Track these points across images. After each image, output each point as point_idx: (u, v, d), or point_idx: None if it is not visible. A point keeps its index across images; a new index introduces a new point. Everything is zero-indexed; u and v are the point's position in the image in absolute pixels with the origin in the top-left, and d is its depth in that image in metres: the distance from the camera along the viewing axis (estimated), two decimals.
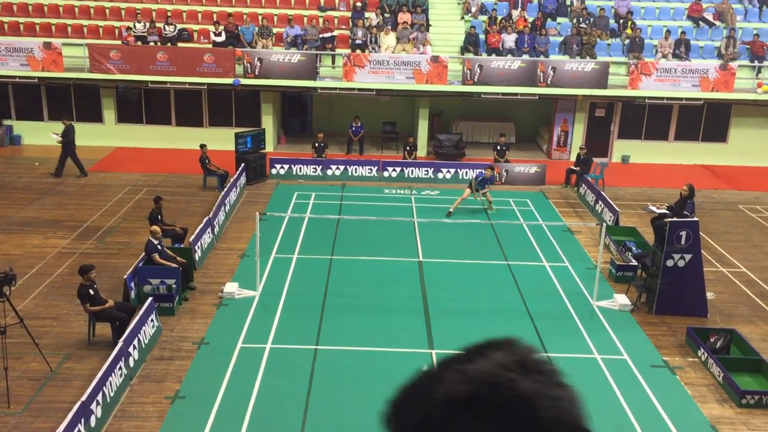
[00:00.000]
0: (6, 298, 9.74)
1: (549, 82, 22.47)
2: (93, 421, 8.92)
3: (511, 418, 1.19)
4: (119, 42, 22.65)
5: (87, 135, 23.70)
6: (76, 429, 8.45)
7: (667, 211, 13.42)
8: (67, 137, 20.13)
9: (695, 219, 13.11)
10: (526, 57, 23.13)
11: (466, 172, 20.98)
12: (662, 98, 22.94)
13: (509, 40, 23.49)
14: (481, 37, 23.68)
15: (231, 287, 13.31)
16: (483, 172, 18.85)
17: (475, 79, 22.45)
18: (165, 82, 22.47)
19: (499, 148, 21.90)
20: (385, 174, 21.09)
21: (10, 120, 23.92)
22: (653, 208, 13.94)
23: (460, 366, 1.25)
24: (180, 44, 22.94)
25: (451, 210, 17.93)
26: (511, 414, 1.19)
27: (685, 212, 13.19)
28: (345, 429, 9.48)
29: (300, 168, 21.02)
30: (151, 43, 22.64)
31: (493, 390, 1.21)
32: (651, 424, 9.81)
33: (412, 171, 21.21)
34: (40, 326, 11.55)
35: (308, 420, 9.60)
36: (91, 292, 11.20)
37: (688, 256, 12.80)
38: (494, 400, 1.19)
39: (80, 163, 20.35)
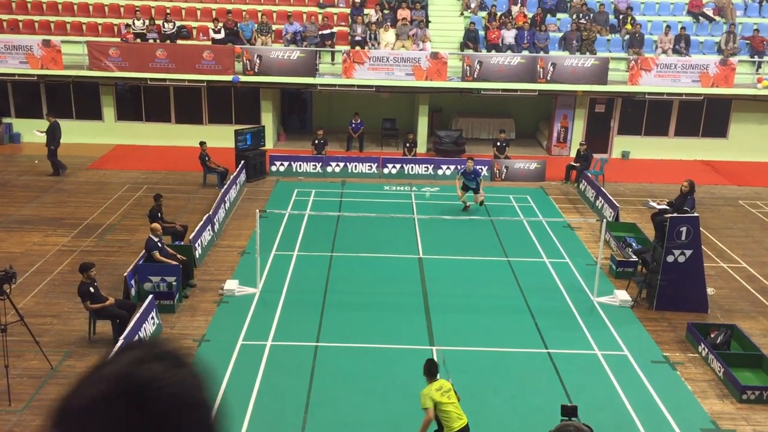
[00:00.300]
0: (6, 296, 9.73)
1: (549, 78, 22.45)
2: None
3: (130, 408, 1.28)
4: (118, 39, 22.62)
5: (86, 132, 23.72)
6: None
7: (668, 207, 13.41)
8: (52, 134, 20.04)
9: (696, 215, 13.10)
10: (525, 53, 23.11)
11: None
12: (662, 94, 22.91)
13: (509, 36, 23.46)
14: (481, 33, 23.65)
15: (231, 284, 13.31)
16: (463, 166, 18.55)
17: (475, 75, 22.42)
18: (164, 80, 22.45)
19: (498, 144, 21.88)
20: (385, 171, 21.08)
21: (10, 118, 23.90)
22: (653, 204, 13.93)
23: (97, 369, 1.33)
24: (179, 41, 22.91)
25: (462, 200, 18.01)
26: (130, 403, 1.28)
27: (685, 208, 13.18)
28: (346, 426, 9.49)
29: (300, 165, 21.01)
30: (150, 41, 22.61)
31: (120, 384, 1.29)
32: (652, 420, 9.81)
33: (412, 168, 21.20)
34: (40, 324, 11.55)
35: (309, 417, 9.61)
36: (92, 289, 11.20)
37: (688, 252, 12.79)
38: (120, 392, 1.28)
39: (57, 163, 20.22)
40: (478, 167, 18.73)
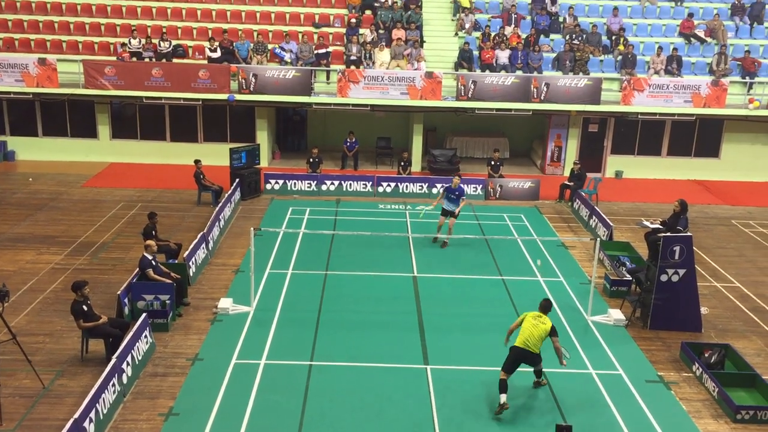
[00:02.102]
0: None
1: (542, 98, 22.61)
2: None
3: None
4: (115, 58, 22.69)
5: (81, 150, 23.73)
6: None
7: (661, 226, 13.46)
8: None
9: (689, 234, 13.15)
10: (519, 73, 23.28)
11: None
12: (655, 114, 23.09)
13: (503, 56, 23.64)
14: (475, 53, 23.84)
15: (225, 303, 13.28)
16: (448, 183, 17.72)
17: (469, 95, 22.57)
18: (160, 98, 22.51)
19: (493, 163, 21.98)
20: (380, 189, 21.13)
21: (5, 136, 23.89)
22: (647, 223, 13.97)
23: None
24: (175, 60, 23.01)
25: (438, 236, 17.10)
26: None
27: (678, 227, 13.23)
28: None
29: (295, 183, 21.04)
30: (146, 59, 22.70)
31: None
32: None
33: (407, 186, 21.25)
34: (32, 342, 11.48)
35: None
36: (85, 308, 11.15)
37: (681, 271, 12.83)
38: None
39: None
40: (463, 186, 17.88)
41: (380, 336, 12.49)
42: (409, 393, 10.72)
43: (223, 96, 22.33)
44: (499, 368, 10.59)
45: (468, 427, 9.97)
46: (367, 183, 21.22)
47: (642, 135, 24.29)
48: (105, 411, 9.51)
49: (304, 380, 10.96)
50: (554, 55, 24.05)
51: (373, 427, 9.87)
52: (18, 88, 22.36)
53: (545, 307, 10.70)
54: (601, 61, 24.17)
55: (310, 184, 21.07)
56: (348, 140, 23.62)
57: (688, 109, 22.93)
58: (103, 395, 9.50)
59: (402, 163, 22.65)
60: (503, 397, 10.12)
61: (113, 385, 9.88)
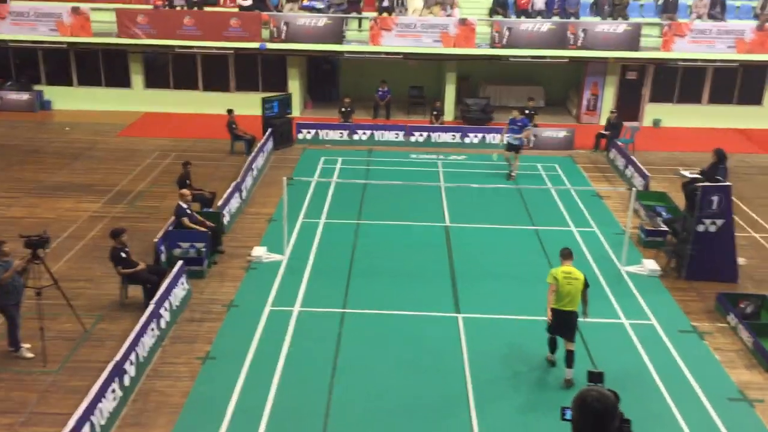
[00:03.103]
0: (41, 260, 9.95)
1: (579, 45, 22.05)
2: (127, 380, 9.15)
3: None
4: (148, 6, 22.63)
5: (115, 100, 23.94)
6: (111, 388, 8.67)
7: (699, 176, 13.19)
8: None
9: (728, 183, 12.87)
10: (556, 19, 22.69)
11: (494, 137, 20.80)
12: (696, 60, 22.41)
13: (539, 1, 23.03)
14: None
15: (259, 251, 13.45)
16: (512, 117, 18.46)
17: (504, 42, 22.11)
18: (192, 47, 22.48)
19: (527, 112, 21.61)
20: (412, 139, 20.99)
21: (41, 85, 24.18)
22: (685, 173, 13.71)
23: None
24: (206, 8, 22.87)
25: (513, 174, 18.03)
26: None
27: (717, 177, 12.95)
28: (372, 391, 9.60)
29: (327, 133, 21.01)
30: (178, 8, 22.61)
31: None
32: (678, 389, 9.78)
33: (439, 136, 21.07)
34: (74, 288, 11.80)
35: (336, 382, 9.75)
36: (123, 255, 11.40)
37: (719, 222, 12.61)
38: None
39: None
40: (526, 118, 18.77)
41: (412, 284, 12.57)
42: (441, 341, 10.83)
43: (255, 44, 22.21)
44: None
45: (499, 374, 10.07)
46: (399, 132, 21.08)
47: (682, 82, 23.65)
48: (144, 354, 9.79)
49: (337, 328, 11.12)
50: None
51: (404, 374, 10.02)
52: (52, 38, 22.50)
53: (566, 255, 9.97)
54: (641, 5, 23.43)
55: (342, 133, 21.02)
56: (380, 89, 23.41)
57: (731, 55, 22.20)
58: (143, 339, 9.77)
59: (434, 113, 22.42)
60: (551, 356, 10.20)
61: (152, 329, 10.15)
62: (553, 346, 10.13)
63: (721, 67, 22.75)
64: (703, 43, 22.14)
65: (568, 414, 3.32)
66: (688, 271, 12.90)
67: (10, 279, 9.69)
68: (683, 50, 22.19)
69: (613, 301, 12.18)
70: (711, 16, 22.84)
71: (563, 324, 9.74)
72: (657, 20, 22.95)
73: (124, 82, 24.02)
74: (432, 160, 19.71)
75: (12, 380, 9.63)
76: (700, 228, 12.66)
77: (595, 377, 3.59)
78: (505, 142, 18.29)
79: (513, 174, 18.01)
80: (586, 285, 9.83)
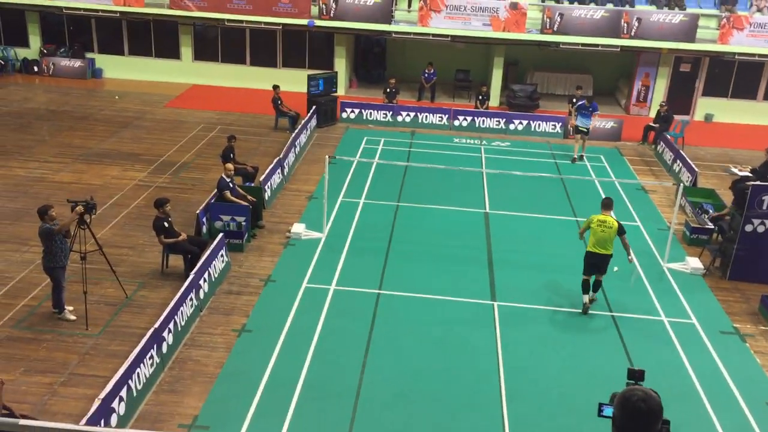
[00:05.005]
0: (87, 225, 10.17)
1: (633, 34, 21.55)
2: (165, 348, 9.33)
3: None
4: None
5: (164, 71, 24.24)
6: (149, 354, 8.86)
7: (751, 174, 12.82)
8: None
9: None
10: (610, 6, 22.18)
11: (539, 125, 20.58)
12: (754, 55, 21.72)
13: None
14: None
15: (298, 228, 13.54)
16: (582, 101, 18.83)
17: (555, 28, 21.72)
18: (241, 21, 22.59)
19: (574, 100, 21.25)
20: (456, 123, 20.83)
21: (93, 53, 24.59)
22: (735, 170, 13.34)
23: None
24: None
25: (576, 156, 18.45)
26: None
27: None
28: (403, 373, 9.63)
29: (370, 113, 20.97)
30: None
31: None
32: (716, 390, 9.60)
33: (483, 121, 20.87)
34: (117, 254, 12.06)
35: (368, 361, 9.79)
36: (166, 224, 11.58)
37: None
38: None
39: None
40: (596, 102, 19.00)
41: (449, 269, 12.53)
42: (475, 327, 10.79)
43: (304, 21, 22.21)
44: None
45: (532, 364, 10.00)
46: (443, 116, 20.94)
47: (737, 77, 22.97)
48: (183, 323, 9.97)
49: (372, 308, 11.16)
50: None
51: (437, 357, 10.02)
52: (105, 6, 22.82)
53: (607, 205, 11.15)
54: None
55: (385, 114, 20.96)
56: (426, 71, 23.25)
57: None
58: (182, 308, 9.94)
59: (480, 97, 22.20)
60: (585, 297, 11.19)
61: (191, 299, 10.31)
62: (586, 288, 11.16)
63: None
64: (762, 37, 21.44)
65: (607, 411, 3.26)
66: (733, 271, 12.60)
67: (66, 228, 9.95)
68: (741, 44, 21.53)
69: (654, 298, 11.97)
70: None
71: (597, 264, 11.03)
72: (715, 11, 22.30)
73: (174, 53, 24.28)
74: (475, 145, 19.54)
75: (54, 341, 9.89)
76: (748, 228, 12.33)
77: (636, 375, 3.52)
78: (576, 125, 18.59)
79: (580, 156, 18.42)
80: (622, 231, 10.92)
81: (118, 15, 23.13)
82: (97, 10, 22.97)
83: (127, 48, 24.53)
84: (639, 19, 21.45)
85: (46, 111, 20.59)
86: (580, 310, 11.34)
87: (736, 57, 21.95)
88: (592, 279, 11.23)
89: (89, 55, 24.51)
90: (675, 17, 21.44)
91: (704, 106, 23.21)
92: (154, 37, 24.26)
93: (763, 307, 11.60)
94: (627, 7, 22.10)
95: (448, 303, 11.44)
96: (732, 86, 23.17)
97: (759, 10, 22.10)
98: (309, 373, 9.47)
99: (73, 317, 10.35)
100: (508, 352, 10.19)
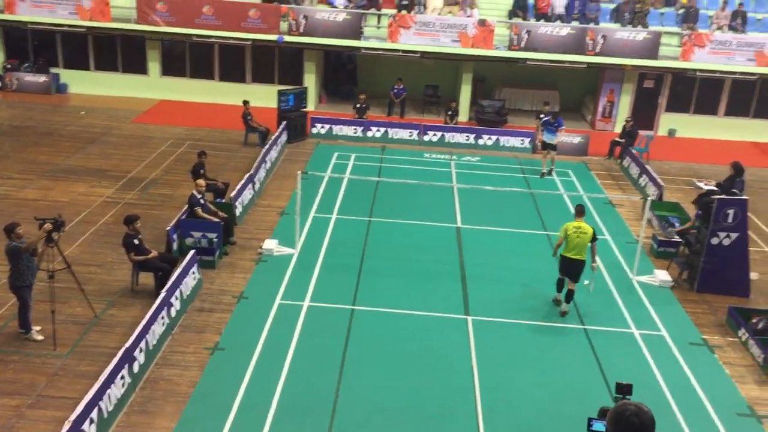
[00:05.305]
0: (55, 243, 9.97)
1: (598, 51, 21.97)
2: (136, 367, 9.16)
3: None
4: None
5: (131, 86, 23.96)
6: (120, 374, 8.69)
7: (716, 188, 13.12)
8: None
9: (744, 197, 12.79)
10: (575, 23, 22.60)
11: (508, 140, 20.82)
12: (715, 72, 22.29)
13: (559, 5, 22.95)
14: (530, 1, 23.16)
15: (270, 244, 13.45)
16: (547, 117, 19.19)
17: (522, 45, 22.04)
18: (210, 37, 22.48)
19: (541, 116, 21.53)
20: (426, 138, 20.95)
21: (58, 68, 24.22)
22: (700, 184, 13.63)
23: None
24: None
25: (544, 171, 18.73)
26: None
27: (734, 190, 12.88)
28: (379, 388, 9.59)
29: (341, 128, 20.98)
30: None
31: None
32: (687, 401, 9.74)
33: (453, 136, 21.02)
34: (85, 272, 11.83)
35: (343, 378, 9.74)
36: (136, 241, 11.41)
37: (734, 235, 12.54)
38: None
39: None
40: (561, 118, 19.49)
41: (422, 284, 12.55)
42: (449, 342, 10.81)
43: (273, 37, 22.20)
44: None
45: (507, 377, 10.04)
46: (413, 131, 21.05)
47: (699, 93, 23.53)
48: (154, 342, 9.80)
49: (346, 324, 11.11)
50: (613, 6, 23.26)
51: (412, 373, 10.00)
52: (71, 21, 22.53)
53: (580, 212, 11.61)
54: (662, 14, 23.31)
55: (356, 129, 20.99)
56: (396, 87, 23.38)
57: (750, 68, 22.07)
58: (153, 327, 9.78)
59: (449, 113, 22.38)
60: (559, 295, 11.84)
61: (162, 317, 10.16)
62: (560, 286, 11.76)
63: (740, 79, 22.63)
64: (723, 54, 22.02)
65: (597, 425, 3.28)
66: (700, 284, 12.84)
67: (34, 246, 9.74)
68: (702, 61, 22.08)
69: (624, 310, 12.13)
70: (731, 28, 22.71)
71: (571, 269, 11.46)
72: (677, 29, 22.84)
73: (141, 68, 24.04)
74: (445, 160, 19.67)
75: (21, 362, 9.65)
76: (714, 241, 12.60)
77: (624, 389, 3.55)
78: (542, 141, 19.00)
79: (549, 171, 18.70)
80: (594, 238, 11.41)
81: (84, 30, 22.84)
82: (62, 25, 22.67)
83: (93, 63, 24.22)
84: (604, 37, 21.88)
85: (9, 126, 20.19)
86: (553, 323, 11.45)
87: (698, 73, 22.50)
88: (566, 282, 11.68)
89: (54, 70, 24.13)
90: (639, 35, 21.91)
91: (667, 121, 23.71)
92: (121, 52, 24.00)
93: (731, 318, 11.83)
94: (592, 25, 22.53)
95: (421, 318, 11.45)
96: (694, 102, 23.72)
97: (719, 28, 22.71)
98: (283, 391, 9.38)
99: (40, 337, 10.12)
100: (483, 367, 10.22)
